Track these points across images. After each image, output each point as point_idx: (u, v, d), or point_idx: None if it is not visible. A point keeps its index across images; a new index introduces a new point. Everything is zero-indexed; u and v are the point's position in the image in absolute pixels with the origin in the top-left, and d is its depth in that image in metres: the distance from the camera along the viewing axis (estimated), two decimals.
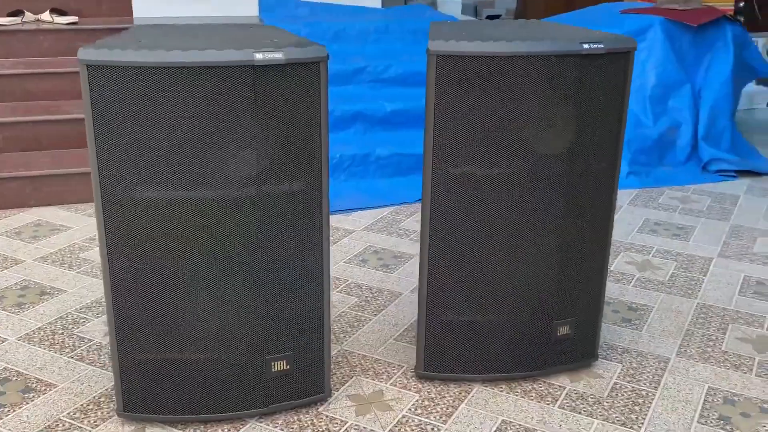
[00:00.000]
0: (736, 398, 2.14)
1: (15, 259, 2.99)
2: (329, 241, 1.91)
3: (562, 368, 2.22)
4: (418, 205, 3.70)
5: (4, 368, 2.23)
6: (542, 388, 2.17)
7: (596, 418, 2.04)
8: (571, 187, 2.03)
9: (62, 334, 2.43)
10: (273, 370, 1.96)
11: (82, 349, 2.34)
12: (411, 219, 3.52)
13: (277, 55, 1.72)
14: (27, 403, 2.07)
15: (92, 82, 1.69)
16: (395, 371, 2.25)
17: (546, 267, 2.09)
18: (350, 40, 4.77)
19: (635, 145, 4.28)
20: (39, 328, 2.46)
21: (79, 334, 2.43)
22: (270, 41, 1.82)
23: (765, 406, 2.11)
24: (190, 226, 1.80)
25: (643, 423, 2.02)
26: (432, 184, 1.99)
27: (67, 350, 2.33)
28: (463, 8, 7.45)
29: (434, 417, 2.03)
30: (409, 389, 2.16)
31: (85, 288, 2.75)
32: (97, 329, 2.46)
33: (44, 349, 2.34)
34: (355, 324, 2.53)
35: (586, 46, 1.91)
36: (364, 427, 1.99)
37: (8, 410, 2.04)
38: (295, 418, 2.02)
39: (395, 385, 2.17)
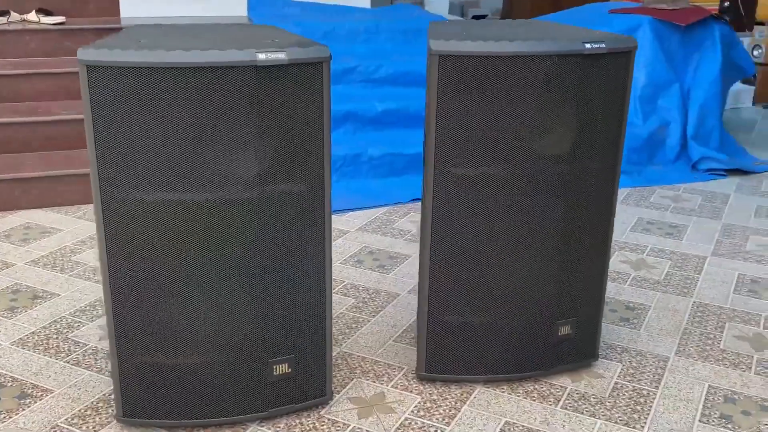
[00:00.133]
0: (736, 396, 2.15)
1: (5, 263, 2.94)
2: (331, 242, 1.89)
3: (562, 368, 2.22)
4: (412, 205, 3.69)
5: None
6: (544, 389, 2.16)
7: (599, 418, 2.04)
8: (572, 187, 2.03)
9: (57, 338, 2.40)
10: (275, 373, 1.95)
11: (77, 354, 2.31)
12: (405, 219, 3.50)
13: (280, 56, 1.70)
14: (23, 410, 2.03)
15: (92, 83, 1.66)
16: (396, 373, 2.23)
17: (547, 267, 2.08)
18: (340, 40, 4.75)
19: (626, 144, 4.30)
20: (33, 333, 2.43)
21: (74, 339, 2.39)
22: (271, 41, 1.80)
23: (765, 404, 2.11)
24: (192, 229, 1.78)
25: (645, 422, 2.02)
26: (434, 185, 1.98)
27: (62, 355, 2.30)
28: (450, 8, 7.46)
29: (437, 419, 2.02)
30: (411, 391, 2.14)
31: (78, 291, 2.72)
32: (92, 333, 2.43)
33: (39, 353, 2.31)
34: (353, 325, 2.51)
35: (588, 45, 1.91)
36: (368, 430, 1.97)
37: (4, 417, 2.00)
38: (297, 421, 2.00)
39: (396, 387, 2.16)
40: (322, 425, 1.99)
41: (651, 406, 2.09)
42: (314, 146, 1.81)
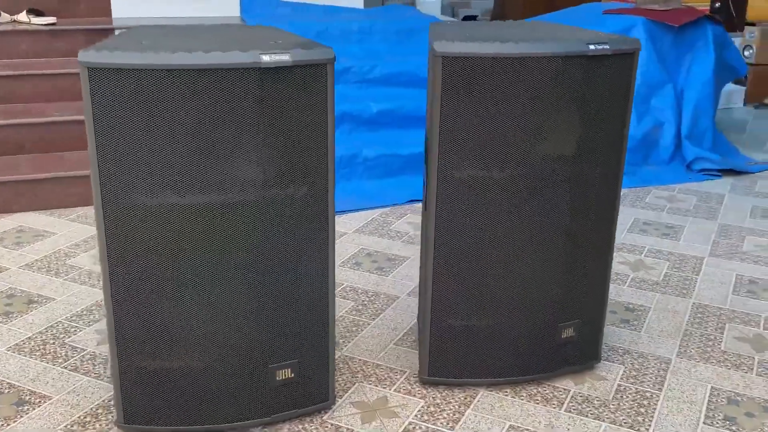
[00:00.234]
0: (739, 398, 2.14)
1: None
2: (335, 246, 1.88)
3: (565, 371, 2.21)
4: (408, 207, 3.68)
5: None
6: (547, 392, 2.15)
7: (603, 420, 2.03)
8: (576, 189, 2.02)
9: (54, 343, 2.36)
10: (277, 378, 1.93)
11: (75, 359, 2.28)
12: (402, 220, 3.49)
13: (284, 57, 1.68)
14: (21, 417, 2.00)
15: (93, 85, 1.63)
16: (398, 377, 2.22)
17: (551, 270, 2.07)
18: (333, 40, 4.72)
19: None
20: (29, 338, 2.39)
21: (72, 344, 2.36)
22: (274, 42, 1.78)
23: None
24: (195, 232, 1.76)
25: (650, 425, 2.02)
26: (438, 188, 1.96)
27: (60, 360, 2.27)
28: (441, 9, 7.45)
29: (441, 423, 2.01)
30: (414, 395, 2.13)
31: (74, 296, 2.68)
32: (90, 338, 2.40)
33: (36, 359, 2.27)
34: (354, 329, 2.50)
35: (592, 47, 1.90)
36: None
37: (2, 424, 1.97)
38: (300, 427, 1.98)
39: (399, 391, 2.14)
40: (326, 430, 1.97)
41: (655, 409, 2.09)
42: (318, 148, 1.79)
